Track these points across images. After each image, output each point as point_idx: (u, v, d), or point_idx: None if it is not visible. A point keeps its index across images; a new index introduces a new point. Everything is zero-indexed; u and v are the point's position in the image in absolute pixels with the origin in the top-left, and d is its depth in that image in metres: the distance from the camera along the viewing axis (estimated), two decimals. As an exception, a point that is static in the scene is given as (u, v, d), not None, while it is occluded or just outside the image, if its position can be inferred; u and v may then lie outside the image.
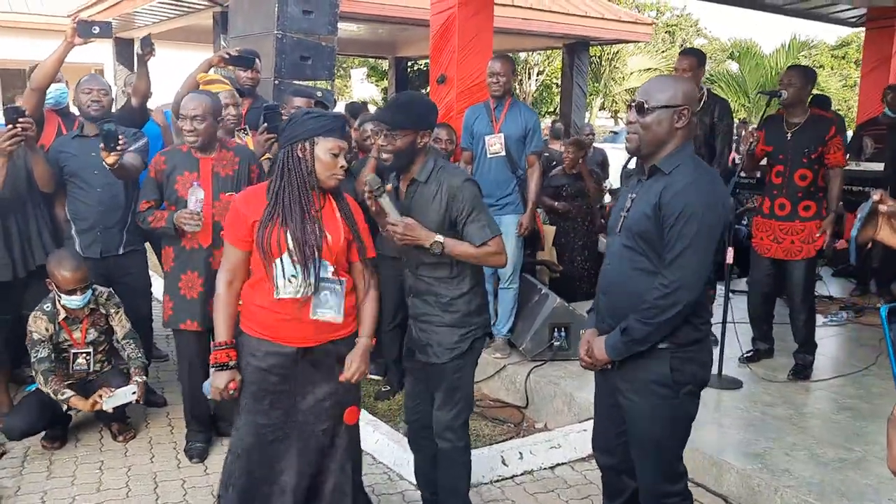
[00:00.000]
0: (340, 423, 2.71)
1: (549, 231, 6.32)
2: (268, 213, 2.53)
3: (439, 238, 2.69)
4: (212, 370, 2.62)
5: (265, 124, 4.10)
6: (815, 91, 4.98)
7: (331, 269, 2.57)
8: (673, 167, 2.36)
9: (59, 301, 3.74)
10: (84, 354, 3.80)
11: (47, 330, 3.73)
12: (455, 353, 2.82)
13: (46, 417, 3.78)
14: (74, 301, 3.71)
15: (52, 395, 3.64)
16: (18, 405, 3.80)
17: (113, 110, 4.51)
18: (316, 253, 2.51)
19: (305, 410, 2.65)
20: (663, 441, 2.48)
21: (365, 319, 2.72)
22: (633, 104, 2.39)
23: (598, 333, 2.55)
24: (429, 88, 6.38)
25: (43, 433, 3.86)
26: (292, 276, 2.51)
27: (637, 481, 2.59)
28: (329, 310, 2.58)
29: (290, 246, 2.49)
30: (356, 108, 7.75)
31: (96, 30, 3.84)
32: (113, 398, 3.64)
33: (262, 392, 2.61)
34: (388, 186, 2.80)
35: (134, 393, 3.68)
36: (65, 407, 3.68)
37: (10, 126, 3.64)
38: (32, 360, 3.70)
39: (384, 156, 2.73)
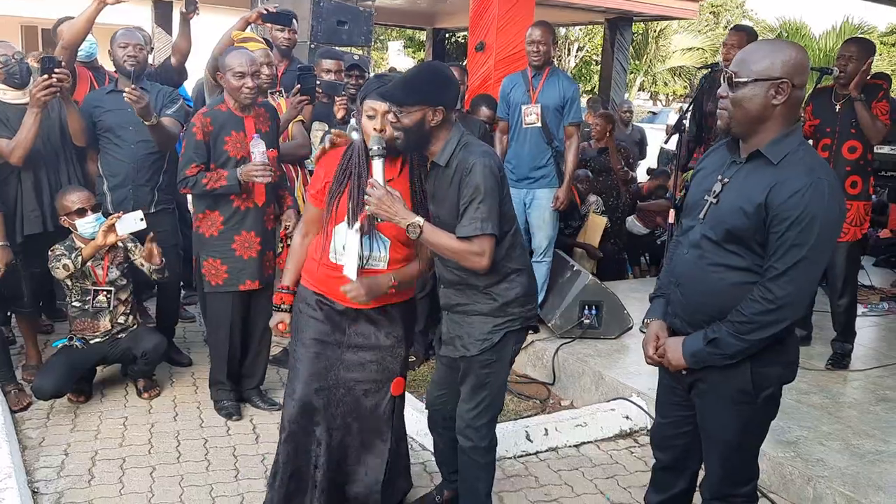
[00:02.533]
0: (387, 390, 2.71)
1: (599, 222, 5.86)
2: (336, 178, 2.56)
3: (419, 220, 2.39)
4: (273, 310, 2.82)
5: (299, 85, 4.03)
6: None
7: (387, 242, 2.55)
8: (781, 156, 2.03)
9: (77, 237, 3.77)
10: (105, 292, 3.83)
11: (66, 254, 3.71)
12: (485, 346, 2.57)
13: (74, 378, 3.80)
14: (89, 223, 3.74)
15: (69, 266, 3.62)
16: (47, 365, 3.81)
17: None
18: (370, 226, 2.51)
19: (348, 366, 2.66)
20: (734, 444, 2.27)
21: (402, 270, 2.62)
22: (725, 76, 2.08)
23: (668, 329, 2.31)
24: (466, 61, 6.25)
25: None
26: (343, 245, 2.51)
27: (705, 476, 2.39)
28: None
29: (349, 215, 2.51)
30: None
31: None
32: (123, 221, 3.68)
33: (310, 341, 2.65)
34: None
35: (142, 220, 3.70)
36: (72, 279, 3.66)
37: (46, 77, 3.61)
38: (50, 264, 3.69)
39: (389, 132, 2.45)
